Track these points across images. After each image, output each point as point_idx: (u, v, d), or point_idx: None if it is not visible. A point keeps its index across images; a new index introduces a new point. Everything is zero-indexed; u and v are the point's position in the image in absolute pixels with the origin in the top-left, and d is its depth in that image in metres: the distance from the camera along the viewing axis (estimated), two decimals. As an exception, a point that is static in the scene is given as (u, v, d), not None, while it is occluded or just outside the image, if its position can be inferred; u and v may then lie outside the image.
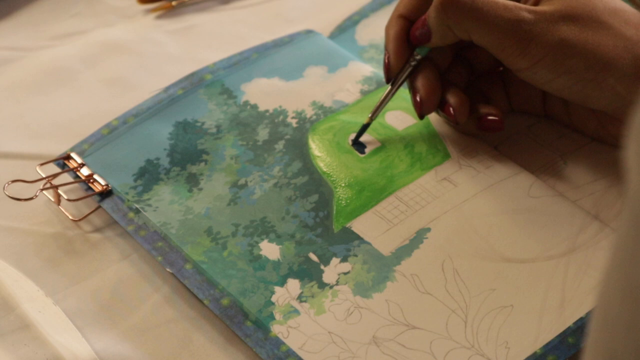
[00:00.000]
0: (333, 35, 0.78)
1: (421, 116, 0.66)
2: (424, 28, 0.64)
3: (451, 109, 0.65)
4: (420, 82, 0.65)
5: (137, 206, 0.65)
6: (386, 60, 0.66)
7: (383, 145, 0.67)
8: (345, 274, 0.61)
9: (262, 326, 0.59)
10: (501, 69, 0.68)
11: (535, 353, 0.56)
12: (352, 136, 0.68)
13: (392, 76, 0.66)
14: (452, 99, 0.65)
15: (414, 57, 0.65)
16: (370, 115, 0.67)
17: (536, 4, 0.63)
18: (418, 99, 0.65)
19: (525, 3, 0.63)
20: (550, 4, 0.62)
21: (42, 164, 0.69)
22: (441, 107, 0.66)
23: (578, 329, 0.56)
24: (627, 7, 0.63)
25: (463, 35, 0.63)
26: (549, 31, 0.60)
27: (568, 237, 0.61)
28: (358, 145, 0.68)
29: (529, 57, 0.61)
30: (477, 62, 0.68)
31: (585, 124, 0.66)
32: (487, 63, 0.68)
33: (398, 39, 0.65)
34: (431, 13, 0.63)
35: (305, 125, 0.69)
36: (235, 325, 0.59)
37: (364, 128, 0.67)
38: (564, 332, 0.56)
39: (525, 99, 0.68)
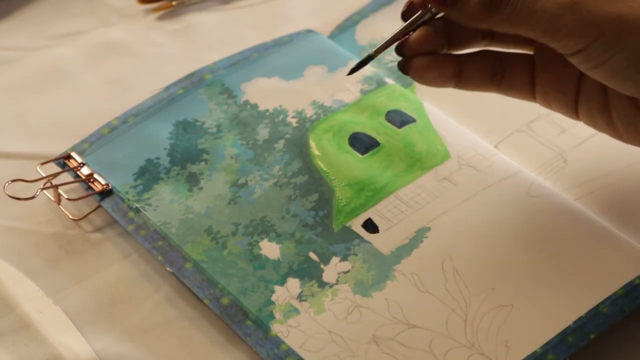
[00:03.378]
0: (333, 35, 0.78)
1: (397, 52, 0.61)
2: None
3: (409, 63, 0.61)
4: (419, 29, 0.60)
5: (137, 205, 0.65)
6: None
7: (383, 145, 0.67)
8: (345, 273, 0.61)
9: (262, 325, 0.59)
10: (532, 53, 0.63)
11: (535, 352, 0.56)
12: (352, 64, 0.63)
13: (410, 14, 0.61)
14: (419, 59, 0.61)
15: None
16: (375, 50, 0.62)
17: None
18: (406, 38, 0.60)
19: None
20: None
21: (42, 164, 0.69)
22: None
23: (578, 328, 0.56)
24: None
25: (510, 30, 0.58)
26: (606, 6, 0.56)
27: (568, 236, 0.61)
28: (358, 141, 0.68)
29: (585, 36, 0.56)
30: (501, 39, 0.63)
31: (626, 125, 0.60)
32: (512, 44, 0.63)
33: None
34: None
35: (305, 125, 0.69)
36: (235, 325, 0.59)
37: (367, 59, 0.62)
38: (564, 331, 0.56)
39: (555, 86, 0.62)
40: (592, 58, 0.57)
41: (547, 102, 0.63)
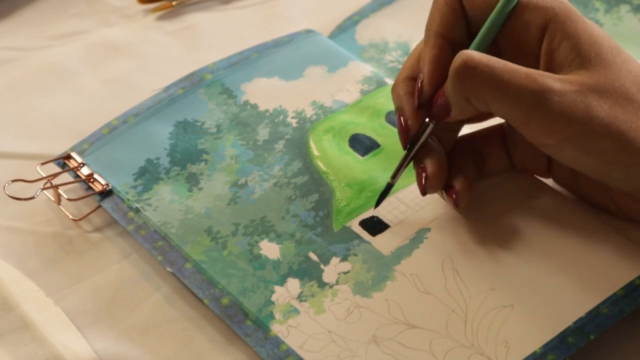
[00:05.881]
0: (333, 35, 0.78)
1: (423, 194, 0.61)
2: (443, 102, 0.58)
3: (454, 194, 0.60)
4: (428, 160, 0.60)
5: (137, 206, 0.65)
6: (402, 123, 0.61)
7: (383, 146, 0.67)
8: (345, 273, 0.61)
9: (262, 325, 0.59)
10: (503, 122, 0.63)
11: (535, 352, 0.56)
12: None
13: (410, 139, 0.61)
14: (457, 184, 0.60)
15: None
16: (392, 176, 0.62)
17: (550, 70, 0.57)
18: (424, 176, 0.60)
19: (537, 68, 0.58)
20: (577, 74, 0.56)
21: (42, 164, 0.69)
22: (444, 188, 0.61)
23: (578, 329, 0.56)
24: None
25: (482, 107, 0.57)
26: (579, 105, 0.54)
27: (568, 236, 0.61)
28: (358, 142, 0.68)
29: (556, 133, 0.55)
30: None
31: (594, 195, 0.61)
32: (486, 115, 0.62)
33: (412, 100, 0.60)
34: (448, 85, 0.57)
35: (305, 125, 0.69)
36: (235, 325, 0.59)
37: (388, 188, 0.62)
38: (564, 331, 0.56)
39: (528, 159, 0.63)
40: (563, 154, 0.57)
41: (524, 169, 0.64)
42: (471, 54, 0.56)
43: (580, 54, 0.56)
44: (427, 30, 0.60)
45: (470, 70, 0.56)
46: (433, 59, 0.59)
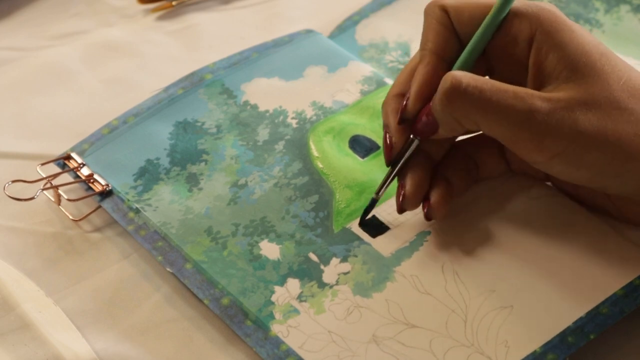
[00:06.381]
0: (333, 35, 0.78)
1: (400, 211, 0.61)
2: (430, 119, 0.58)
3: (426, 208, 0.60)
4: (408, 178, 0.60)
5: (137, 206, 0.65)
6: (388, 141, 0.61)
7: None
8: (345, 274, 0.61)
9: (262, 325, 0.59)
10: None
11: (534, 352, 0.56)
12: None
13: (394, 157, 0.61)
14: (432, 197, 0.60)
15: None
16: (376, 192, 0.62)
17: (540, 85, 0.57)
18: (402, 193, 0.60)
19: (527, 85, 0.58)
20: (563, 89, 0.56)
21: (42, 164, 0.69)
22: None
23: (578, 328, 0.56)
24: None
25: (471, 127, 0.57)
26: (566, 122, 0.55)
27: (568, 237, 0.61)
28: (358, 144, 0.68)
29: (545, 151, 0.56)
30: None
31: (594, 199, 0.61)
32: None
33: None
34: (436, 105, 0.57)
35: (305, 126, 0.69)
36: (235, 325, 0.59)
37: (372, 203, 0.62)
38: (564, 331, 0.56)
39: (527, 164, 0.61)
40: (555, 170, 0.58)
41: (523, 172, 0.64)
42: (459, 75, 0.56)
43: (568, 66, 0.56)
44: (422, 49, 0.60)
45: (459, 92, 0.56)
46: (424, 78, 0.59)
